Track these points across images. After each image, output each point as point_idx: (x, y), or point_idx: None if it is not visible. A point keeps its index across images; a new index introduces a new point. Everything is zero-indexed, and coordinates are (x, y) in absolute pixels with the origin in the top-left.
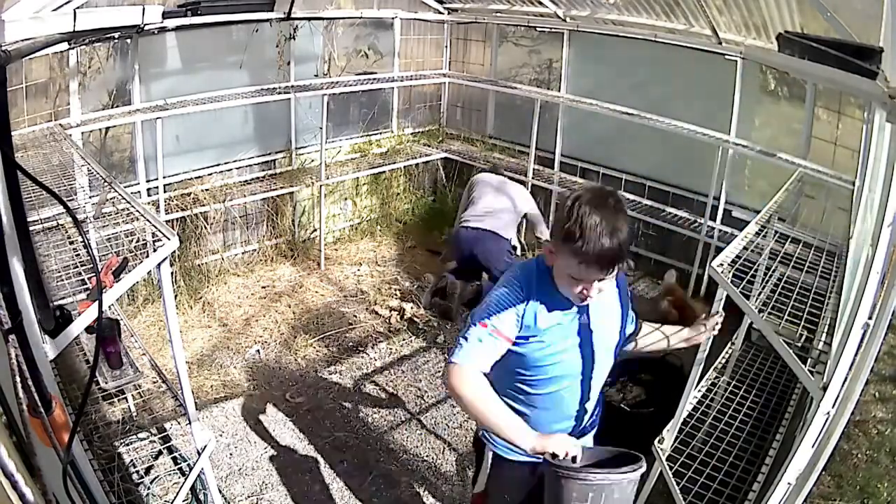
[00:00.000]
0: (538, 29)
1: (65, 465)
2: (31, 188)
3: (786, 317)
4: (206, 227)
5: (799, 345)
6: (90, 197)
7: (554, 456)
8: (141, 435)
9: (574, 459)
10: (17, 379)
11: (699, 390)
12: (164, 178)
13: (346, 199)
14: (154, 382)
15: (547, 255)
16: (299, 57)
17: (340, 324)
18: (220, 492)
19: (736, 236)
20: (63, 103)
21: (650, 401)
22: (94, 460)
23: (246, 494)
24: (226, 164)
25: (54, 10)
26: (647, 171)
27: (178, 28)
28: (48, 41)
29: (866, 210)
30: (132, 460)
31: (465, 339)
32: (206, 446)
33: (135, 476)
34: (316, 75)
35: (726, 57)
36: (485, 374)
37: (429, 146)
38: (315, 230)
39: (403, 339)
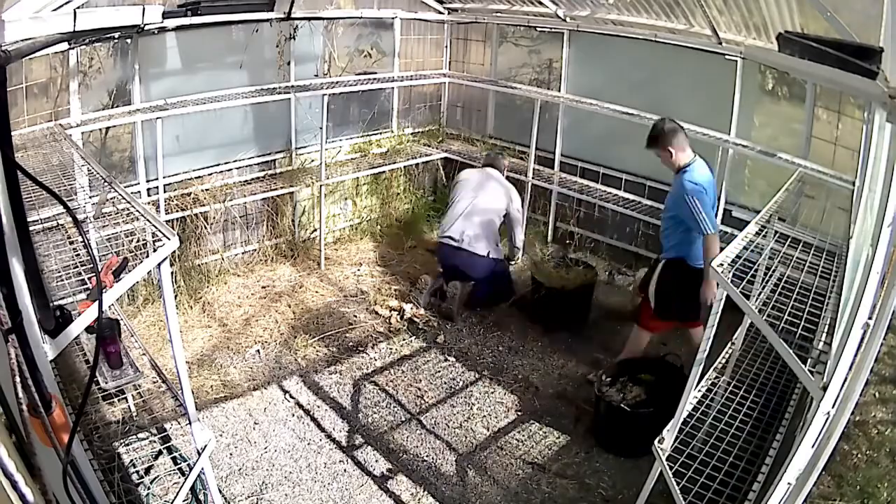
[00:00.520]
0: (538, 29)
1: (65, 465)
2: (31, 188)
3: (786, 317)
4: (206, 227)
5: (799, 345)
6: (90, 197)
7: None
8: (141, 435)
9: None
10: (17, 379)
11: (699, 390)
12: (164, 178)
13: (346, 199)
14: (154, 382)
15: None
16: (299, 57)
17: (340, 324)
18: (220, 492)
19: (736, 236)
20: (63, 103)
21: (650, 401)
22: (94, 460)
23: (246, 494)
24: (226, 164)
25: (54, 10)
26: (647, 171)
27: (178, 28)
28: (48, 41)
29: (866, 210)
30: (132, 460)
31: (706, 216)
32: (206, 446)
33: (135, 476)
34: (316, 75)
35: (726, 57)
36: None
37: (429, 146)
38: (315, 230)
39: (403, 339)
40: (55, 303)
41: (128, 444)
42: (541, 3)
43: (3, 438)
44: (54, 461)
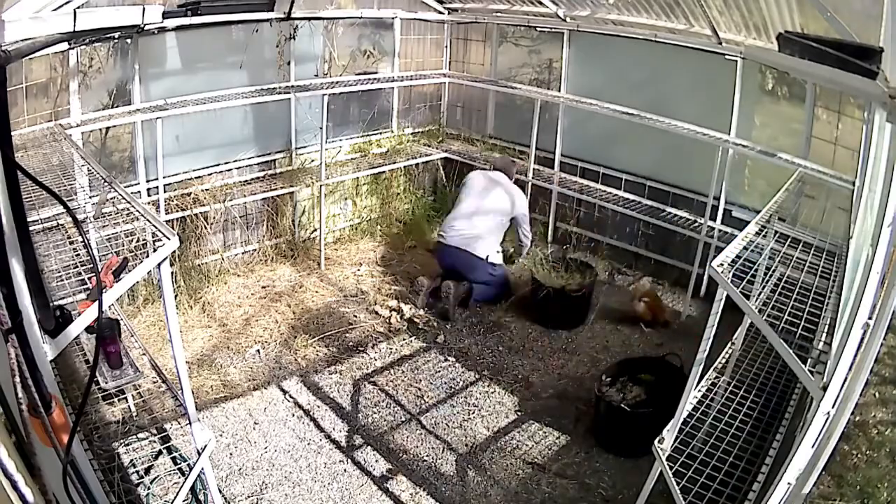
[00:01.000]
0: (538, 29)
1: (65, 465)
2: (31, 188)
3: (786, 317)
4: (206, 227)
5: (799, 345)
6: (90, 197)
7: None
8: (141, 435)
9: None
10: (17, 379)
11: (699, 390)
12: (164, 178)
13: (346, 199)
14: (154, 382)
15: None
16: (299, 57)
17: (340, 324)
18: (220, 492)
19: (736, 236)
20: (63, 103)
21: (650, 401)
22: (94, 460)
23: (246, 494)
24: (226, 164)
25: (54, 10)
26: (647, 171)
27: (178, 28)
28: (48, 41)
29: (866, 210)
30: (132, 460)
31: None
32: (206, 446)
33: (135, 476)
34: (316, 75)
35: (726, 57)
36: None
37: (429, 146)
38: (315, 230)
39: (403, 340)
40: (55, 303)
41: (128, 444)
42: (541, 3)
43: (3, 438)
44: (54, 461)
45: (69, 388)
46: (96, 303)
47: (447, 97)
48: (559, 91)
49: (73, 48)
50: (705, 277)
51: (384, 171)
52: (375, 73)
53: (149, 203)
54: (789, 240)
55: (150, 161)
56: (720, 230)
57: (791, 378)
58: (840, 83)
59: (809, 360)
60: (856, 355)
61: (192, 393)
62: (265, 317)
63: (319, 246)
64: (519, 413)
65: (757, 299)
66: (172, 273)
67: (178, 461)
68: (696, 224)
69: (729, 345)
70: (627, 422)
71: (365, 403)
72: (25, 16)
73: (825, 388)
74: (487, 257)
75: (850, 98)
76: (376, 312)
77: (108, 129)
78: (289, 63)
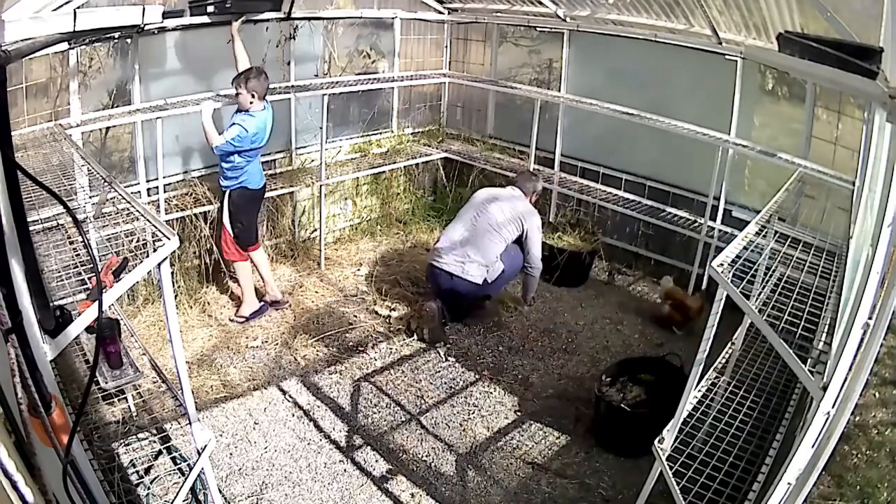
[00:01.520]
0: (538, 29)
1: (65, 465)
2: (31, 188)
3: (786, 317)
4: (206, 227)
5: (799, 345)
6: (90, 197)
7: None
8: (141, 435)
9: None
10: (17, 379)
11: (699, 390)
12: (164, 178)
13: (346, 199)
14: (154, 382)
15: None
16: (299, 57)
17: (340, 324)
18: (220, 492)
19: (736, 236)
20: (63, 103)
21: (650, 401)
22: (94, 460)
23: (246, 494)
24: None
25: (54, 10)
26: (647, 171)
27: (178, 28)
28: (48, 41)
29: (866, 210)
30: (132, 460)
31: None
32: (206, 446)
33: (134, 476)
34: (316, 75)
35: (726, 57)
36: None
37: (429, 146)
38: (315, 230)
39: (403, 340)
40: (55, 303)
41: (128, 444)
42: (541, 3)
43: (3, 438)
44: (54, 461)
45: (69, 388)
46: (96, 303)
47: (447, 97)
48: (559, 91)
49: (73, 48)
50: (705, 277)
51: (384, 171)
52: (375, 73)
53: (149, 203)
54: (789, 240)
55: (149, 161)
56: (720, 230)
57: (791, 378)
58: (840, 83)
59: (809, 360)
60: (856, 355)
61: (192, 393)
62: (265, 317)
63: (319, 246)
64: (519, 413)
65: (757, 299)
66: (172, 273)
67: (178, 461)
68: (696, 224)
69: (729, 345)
70: (627, 422)
71: (365, 403)
72: (25, 16)
73: (825, 388)
74: (484, 281)
75: (850, 98)
76: (376, 312)
77: (108, 129)
78: (289, 63)
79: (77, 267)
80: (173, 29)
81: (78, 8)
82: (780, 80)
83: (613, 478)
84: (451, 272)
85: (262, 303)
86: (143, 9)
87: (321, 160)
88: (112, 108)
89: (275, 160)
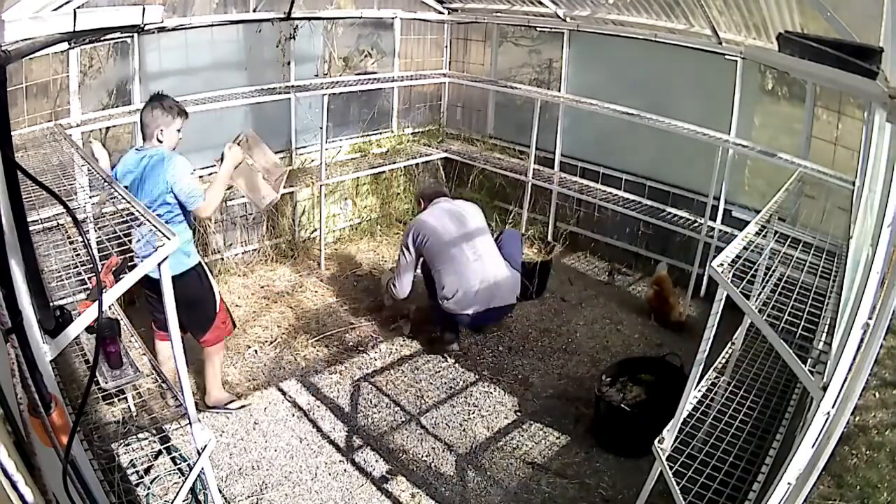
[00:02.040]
0: (538, 29)
1: (65, 465)
2: (31, 188)
3: (786, 317)
4: (206, 227)
5: (799, 345)
6: (90, 197)
7: None
8: (141, 435)
9: None
10: (17, 379)
11: (699, 390)
12: None
13: (346, 199)
14: (154, 382)
15: None
16: (299, 57)
17: (340, 324)
18: (220, 492)
19: (736, 236)
20: (63, 103)
21: (650, 401)
22: (94, 460)
23: (246, 494)
24: None
25: (54, 10)
26: (647, 171)
27: (178, 28)
28: (48, 41)
29: (866, 210)
30: (132, 460)
31: None
32: (206, 446)
33: (134, 476)
34: (316, 75)
35: (726, 57)
36: None
37: (429, 146)
38: (315, 230)
39: (403, 340)
40: (55, 303)
41: (128, 444)
42: (541, 3)
43: (3, 438)
44: (54, 461)
45: (69, 388)
46: (96, 303)
47: (447, 97)
48: (559, 91)
49: (73, 48)
50: (705, 277)
51: (384, 171)
52: (375, 73)
53: None
54: (789, 240)
55: None
56: (720, 230)
57: (791, 378)
58: (840, 83)
59: (809, 360)
60: (856, 355)
61: (192, 393)
62: (265, 317)
63: (319, 246)
64: (519, 413)
65: (757, 299)
66: None
67: (178, 461)
68: (696, 224)
69: (729, 345)
70: (627, 422)
71: (365, 404)
72: (25, 16)
73: (825, 389)
74: (517, 296)
75: (850, 98)
76: (376, 312)
77: (108, 129)
78: (289, 63)
79: (77, 267)
80: (173, 29)
81: (78, 8)
82: (780, 80)
83: (613, 478)
84: (485, 309)
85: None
86: (143, 9)
87: (321, 160)
88: (112, 108)
89: None
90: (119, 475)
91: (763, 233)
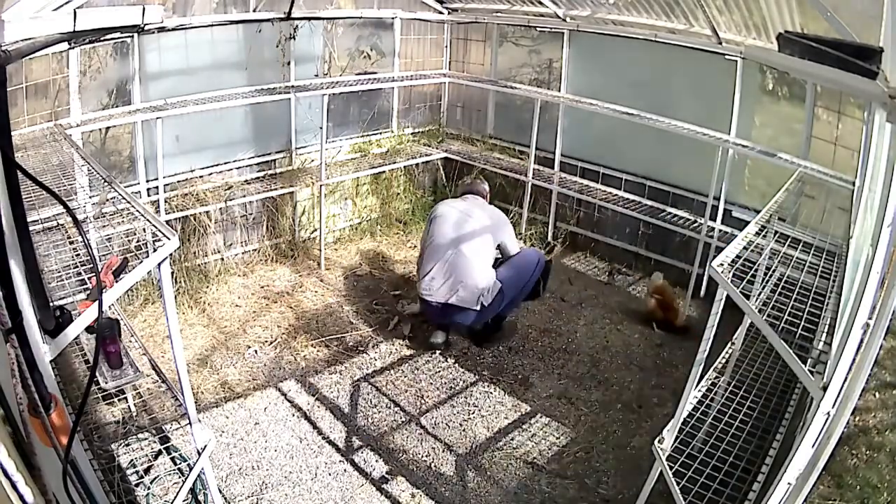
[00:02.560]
0: (538, 29)
1: (65, 465)
2: (31, 188)
3: (786, 317)
4: (206, 227)
5: (799, 345)
6: (90, 197)
7: None
8: (141, 435)
9: None
10: (17, 379)
11: (699, 390)
12: (164, 177)
13: (346, 199)
14: (154, 382)
15: None
16: (299, 57)
17: (340, 324)
18: (220, 492)
19: (736, 236)
20: (63, 103)
21: None
22: (94, 460)
23: (246, 494)
24: (226, 163)
25: (54, 10)
26: (647, 171)
27: (178, 28)
28: (48, 41)
29: (866, 210)
30: (132, 460)
31: None
32: (206, 446)
33: (134, 476)
34: (316, 75)
35: (726, 57)
36: None
37: (429, 146)
38: (315, 230)
39: (403, 340)
40: (55, 303)
41: (128, 445)
42: (541, 3)
43: (3, 438)
44: (54, 461)
45: (69, 388)
46: (96, 303)
47: (447, 97)
48: (559, 91)
49: (73, 48)
50: (705, 277)
51: (384, 171)
52: (375, 73)
53: (149, 203)
54: (789, 240)
55: (149, 161)
56: (720, 230)
57: (791, 378)
58: (840, 83)
59: (809, 360)
60: (856, 355)
61: (192, 393)
62: (265, 317)
63: (319, 246)
64: (519, 413)
65: (757, 299)
66: (172, 273)
67: (178, 461)
68: (696, 224)
69: (729, 345)
70: None
71: (364, 404)
72: (25, 16)
73: (825, 389)
74: (482, 304)
75: (850, 98)
76: (376, 312)
77: (107, 129)
78: (289, 63)
79: (77, 267)
80: (173, 29)
81: (78, 8)
82: (780, 80)
83: (613, 478)
84: (440, 302)
85: None
86: (143, 9)
87: (321, 160)
88: (112, 108)
89: (275, 160)
90: (119, 475)
91: (763, 233)
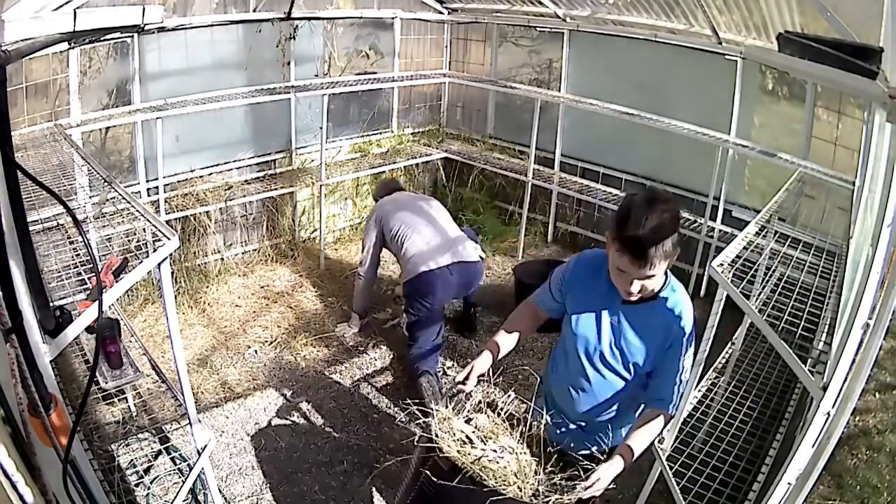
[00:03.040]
0: (538, 29)
1: (65, 465)
2: (31, 188)
3: (786, 317)
4: (206, 227)
5: (799, 345)
6: (90, 197)
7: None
8: (141, 435)
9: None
10: (17, 379)
11: (699, 390)
12: (164, 177)
13: (346, 199)
14: (154, 382)
15: (607, 245)
16: (299, 57)
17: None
18: (220, 492)
19: (736, 236)
20: (63, 103)
21: None
22: (94, 460)
23: (246, 494)
24: (226, 163)
25: (54, 10)
26: (647, 171)
27: (178, 28)
28: (48, 41)
29: (866, 210)
30: (132, 460)
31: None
32: (206, 446)
33: (134, 476)
34: (316, 75)
35: (726, 57)
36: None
37: (429, 146)
38: (315, 230)
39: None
40: (55, 303)
41: (128, 445)
42: (541, 3)
43: (3, 438)
44: (54, 461)
45: (69, 388)
46: (96, 303)
47: (447, 97)
48: (559, 91)
49: (73, 48)
50: (705, 277)
51: (384, 172)
52: (375, 73)
53: (149, 203)
54: (789, 240)
55: (149, 161)
56: (720, 230)
57: (791, 378)
58: (840, 83)
59: (809, 360)
60: (856, 356)
61: (192, 393)
62: (265, 317)
63: (319, 246)
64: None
65: (757, 299)
66: (172, 273)
67: (178, 461)
68: (696, 224)
69: (729, 345)
70: None
71: (365, 404)
72: (25, 16)
73: (825, 389)
74: (479, 255)
75: (850, 98)
76: (377, 312)
77: (107, 129)
78: (289, 63)
79: (77, 267)
80: (173, 29)
81: (78, 8)
82: (780, 80)
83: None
84: (458, 261)
85: None
86: (143, 9)
87: (321, 160)
88: (112, 108)
89: (275, 160)
90: (119, 475)
91: (763, 233)
